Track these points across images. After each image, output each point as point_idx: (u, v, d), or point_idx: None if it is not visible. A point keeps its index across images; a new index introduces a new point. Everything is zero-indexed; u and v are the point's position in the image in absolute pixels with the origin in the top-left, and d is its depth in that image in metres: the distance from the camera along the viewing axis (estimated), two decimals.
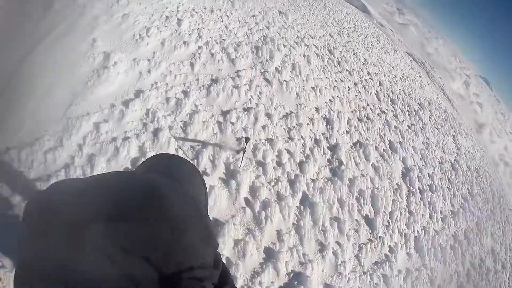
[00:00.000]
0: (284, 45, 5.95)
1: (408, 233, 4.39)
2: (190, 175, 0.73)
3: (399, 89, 8.42)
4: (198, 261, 0.42)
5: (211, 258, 0.46)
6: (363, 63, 8.03)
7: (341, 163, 4.29)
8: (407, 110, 7.62)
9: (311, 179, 3.80)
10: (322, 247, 3.31)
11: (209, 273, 0.44)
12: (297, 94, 4.94)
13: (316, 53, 6.59)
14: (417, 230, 4.60)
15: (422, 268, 4.30)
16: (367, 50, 9.58)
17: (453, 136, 8.95)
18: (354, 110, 5.77)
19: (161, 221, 0.41)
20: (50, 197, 0.43)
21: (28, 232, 0.41)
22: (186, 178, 0.69)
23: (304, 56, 6.13)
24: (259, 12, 6.70)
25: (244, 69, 4.61)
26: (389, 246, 4.01)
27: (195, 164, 2.41)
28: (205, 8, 5.43)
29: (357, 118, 5.57)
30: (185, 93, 3.61)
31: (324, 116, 4.90)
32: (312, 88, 5.36)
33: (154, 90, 3.38)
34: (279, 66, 5.25)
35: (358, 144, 4.92)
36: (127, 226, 0.38)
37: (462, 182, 6.91)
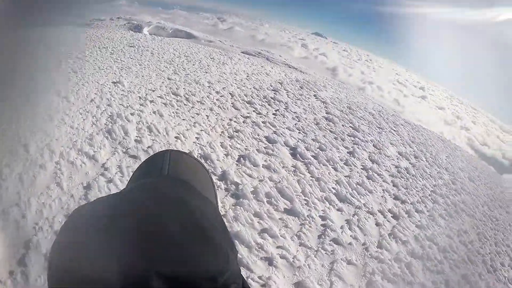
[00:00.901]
0: (132, 114, 6.27)
1: (327, 194, 5.15)
2: (203, 176, 0.77)
3: (250, 89, 9.58)
4: (229, 267, 0.45)
5: (237, 264, 0.50)
6: (209, 86, 8.91)
7: (237, 184, 4.81)
8: (266, 102, 8.74)
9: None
10: (269, 261, 3.71)
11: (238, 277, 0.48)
12: None
13: (163, 103, 7.11)
14: (332, 187, 5.42)
15: (358, 211, 5.09)
16: (206, 72, 10.64)
17: (314, 95, 10.56)
18: (222, 131, 6.42)
19: (200, 242, 0.45)
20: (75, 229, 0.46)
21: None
22: (200, 179, 0.74)
23: (155, 112, 6.57)
24: (95, 93, 6.93)
25: (108, 159, 4.78)
26: (320, 216, 4.66)
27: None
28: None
29: (228, 136, 6.24)
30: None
31: (199, 155, 5.37)
32: (176, 137, 5.80)
33: (40, 232, 3.34)
34: (137, 137, 5.53)
35: (241, 158, 5.54)
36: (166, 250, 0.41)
37: (343, 125, 8.26)
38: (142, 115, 6.35)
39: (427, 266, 4.71)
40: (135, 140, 5.44)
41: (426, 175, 7.46)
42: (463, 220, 6.55)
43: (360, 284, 3.83)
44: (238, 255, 3.15)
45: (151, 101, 7.06)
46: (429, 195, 6.65)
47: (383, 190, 6.07)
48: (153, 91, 7.78)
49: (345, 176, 5.91)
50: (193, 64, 11.43)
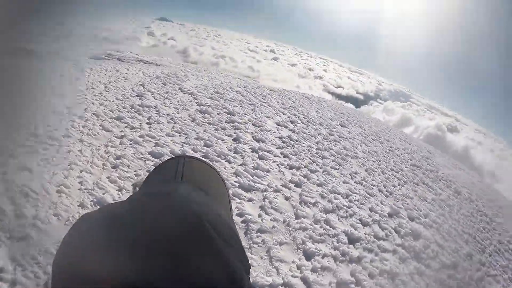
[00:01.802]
0: None
1: (233, 190, 5.53)
2: (217, 184, 0.80)
3: (113, 101, 8.79)
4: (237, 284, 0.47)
5: (248, 279, 0.52)
6: (69, 113, 7.91)
7: None
8: (135, 111, 8.31)
9: None
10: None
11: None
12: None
13: (26, 152, 6.06)
14: (234, 181, 5.82)
15: (266, 194, 5.62)
16: (62, 95, 9.39)
17: (180, 89, 10.53)
18: (103, 163, 5.93)
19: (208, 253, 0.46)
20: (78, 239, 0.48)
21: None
22: (214, 187, 0.77)
23: (21, 169, 5.61)
24: None
25: None
26: (238, 214, 5.01)
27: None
28: None
29: (112, 167, 5.80)
30: None
31: (93, 202, 4.94)
32: (58, 191, 5.08)
33: None
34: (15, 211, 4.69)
35: (136, 187, 5.43)
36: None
37: (218, 113, 8.66)
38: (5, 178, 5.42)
39: (340, 215, 5.61)
40: (16, 216, 4.59)
41: (306, 136, 8.56)
42: (350, 163, 7.84)
43: (299, 256, 4.39)
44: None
45: (10, 156, 6.05)
46: (316, 153, 7.69)
47: (277, 165, 6.78)
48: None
49: (240, 165, 6.38)
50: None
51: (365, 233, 5.45)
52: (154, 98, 9.34)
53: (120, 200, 0.53)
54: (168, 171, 0.77)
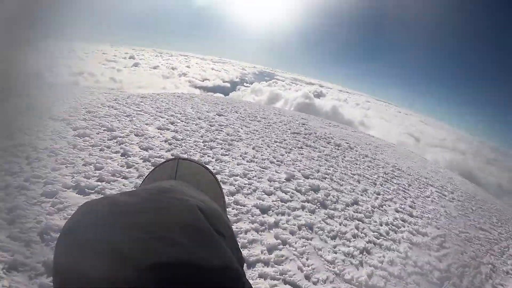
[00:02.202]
0: None
1: None
2: (210, 181, 0.84)
3: None
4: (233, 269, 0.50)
5: (242, 270, 0.54)
6: None
7: None
8: None
9: None
10: None
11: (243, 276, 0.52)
12: None
13: None
14: None
15: None
16: None
17: (49, 118, 9.65)
18: None
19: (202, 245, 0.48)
20: (81, 221, 0.49)
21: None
22: (207, 184, 0.82)
23: None
24: None
25: None
26: None
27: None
28: None
29: None
30: None
31: None
32: None
33: None
34: None
35: None
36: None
37: (97, 133, 8.18)
38: None
39: (245, 193, 6.02)
40: None
41: (190, 132, 8.74)
42: (237, 146, 8.32)
43: None
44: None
45: None
46: (204, 146, 7.93)
47: None
48: None
49: (137, 178, 6.25)
50: None
51: (272, 201, 5.96)
52: (26, 134, 8.37)
53: (121, 192, 0.57)
54: (164, 172, 0.83)
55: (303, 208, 6.07)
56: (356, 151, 12.26)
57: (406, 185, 10.52)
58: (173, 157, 1.00)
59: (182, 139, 8.16)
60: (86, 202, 0.54)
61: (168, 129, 8.75)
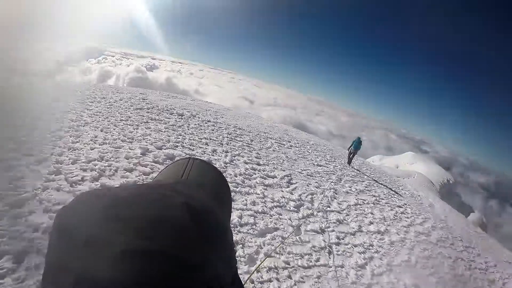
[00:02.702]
0: None
1: None
2: (220, 184, 0.85)
3: None
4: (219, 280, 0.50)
5: (229, 277, 0.55)
6: None
7: None
8: None
9: None
10: None
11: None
12: None
13: None
14: None
15: None
16: None
17: None
18: None
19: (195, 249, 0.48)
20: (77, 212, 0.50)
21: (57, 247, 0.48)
22: (216, 187, 0.82)
23: None
24: None
25: None
26: None
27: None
28: None
29: None
30: None
31: None
32: None
33: None
34: None
35: None
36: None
37: None
38: None
39: (109, 175, 6.19)
40: None
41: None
42: (87, 132, 8.14)
43: None
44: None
45: None
46: (53, 137, 7.36)
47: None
48: None
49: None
50: None
51: (136, 176, 6.35)
52: None
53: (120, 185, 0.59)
54: (175, 170, 0.85)
55: None
56: (199, 118, 13.38)
57: (249, 140, 12.24)
58: (187, 156, 1.04)
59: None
60: (85, 191, 0.55)
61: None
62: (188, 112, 13.63)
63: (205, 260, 0.48)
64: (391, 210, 11.51)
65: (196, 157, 0.97)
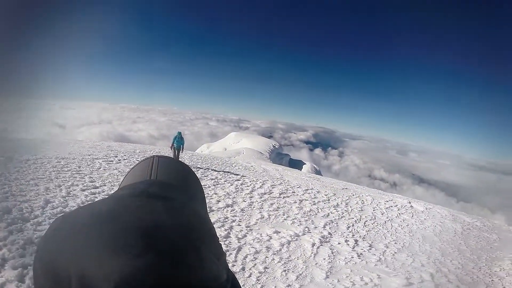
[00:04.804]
0: None
1: None
2: (190, 180, 0.83)
3: None
4: (211, 277, 0.49)
5: (224, 274, 0.54)
6: None
7: None
8: None
9: None
10: None
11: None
12: None
13: None
14: None
15: None
16: None
17: None
18: None
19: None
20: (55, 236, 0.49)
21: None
22: (187, 183, 0.80)
23: None
24: None
25: None
26: None
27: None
28: None
29: None
30: None
31: None
32: None
33: None
34: None
35: None
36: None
37: None
38: None
39: None
40: None
41: None
42: None
43: None
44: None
45: None
46: None
47: None
48: None
49: None
50: None
51: None
52: None
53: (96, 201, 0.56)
54: (142, 172, 0.82)
55: None
56: (16, 159, 12.25)
57: (77, 167, 12.18)
58: (149, 156, 0.92)
59: None
60: (63, 214, 0.53)
61: None
62: (1, 157, 12.12)
63: (201, 262, 0.48)
64: (231, 185, 13.23)
65: (159, 154, 0.94)
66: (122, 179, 0.84)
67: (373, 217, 12.56)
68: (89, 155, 14.84)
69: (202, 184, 0.88)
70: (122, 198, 0.57)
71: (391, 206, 14.94)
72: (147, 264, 0.44)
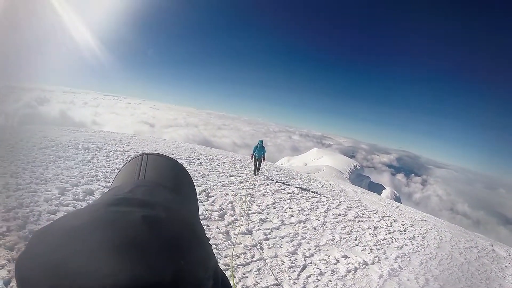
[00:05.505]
0: None
1: None
2: (181, 178, 0.81)
3: None
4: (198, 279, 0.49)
5: (210, 277, 0.54)
6: None
7: None
8: None
9: None
10: None
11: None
12: None
13: None
14: None
15: None
16: None
17: None
18: None
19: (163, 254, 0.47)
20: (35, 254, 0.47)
21: None
22: (178, 182, 0.79)
23: None
24: None
25: None
26: None
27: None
28: None
29: None
30: None
31: None
32: None
33: None
34: None
35: None
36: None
37: None
38: None
39: None
40: None
41: None
42: None
43: None
44: None
45: None
46: None
47: None
48: None
49: None
50: None
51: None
52: None
53: (74, 210, 0.55)
54: (131, 171, 0.80)
55: None
56: (105, 149, 13.34)
57: None
58: (140, 153, 0.92)
59: None
60: (37, 231, 0.51)
61: None
62: (93, 145, 13.43)
63: (180, 271, 0.47)
64: (307, 201, 12.86)
65: (149, 151, 0.92)
66: (113, 179, 0.83)
67: (450, 256, 11.38)
68: (173, 155, 15.40)
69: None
70: (98, 209, 0.54)
71: (471, 247, 13.51)
72: (117, 285, 0.44)
